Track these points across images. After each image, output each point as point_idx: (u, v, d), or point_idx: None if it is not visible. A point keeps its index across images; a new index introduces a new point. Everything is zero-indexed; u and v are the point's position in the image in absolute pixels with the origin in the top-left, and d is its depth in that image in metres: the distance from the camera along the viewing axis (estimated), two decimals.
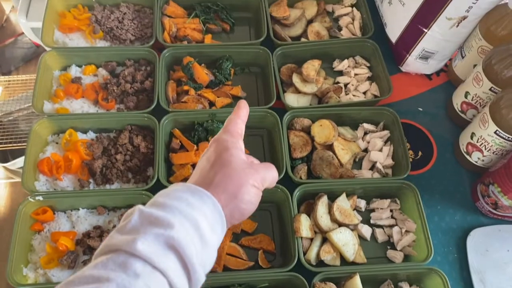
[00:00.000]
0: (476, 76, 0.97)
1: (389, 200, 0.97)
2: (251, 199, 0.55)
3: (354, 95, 1.11)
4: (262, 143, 1.06)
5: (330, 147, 1.01)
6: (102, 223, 0.93)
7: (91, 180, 0.98)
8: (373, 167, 1.02)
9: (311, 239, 0.91)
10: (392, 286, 0.87)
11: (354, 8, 1.24)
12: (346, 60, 1.16)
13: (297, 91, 1.09)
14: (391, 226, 0.95)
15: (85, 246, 0.89)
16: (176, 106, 1.06)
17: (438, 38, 1.04)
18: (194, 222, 0.49)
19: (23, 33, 2.15)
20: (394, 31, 1.13)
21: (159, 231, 0.46)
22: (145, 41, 1.18)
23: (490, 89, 0.94)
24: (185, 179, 0.93)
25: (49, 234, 0.91)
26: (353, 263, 0.90)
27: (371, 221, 0.96)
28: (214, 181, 0.54)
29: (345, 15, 1.24)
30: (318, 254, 0.89)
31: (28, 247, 0.91)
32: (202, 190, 0.52)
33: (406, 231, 0.93)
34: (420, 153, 1.06)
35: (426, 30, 1.03)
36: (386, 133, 1.04)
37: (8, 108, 2.05)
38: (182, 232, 0.47)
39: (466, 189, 1.02)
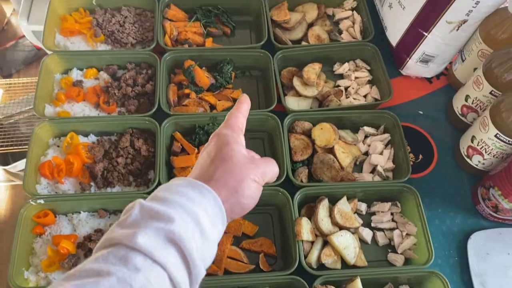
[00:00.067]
0: (476, 79, 0.97)
1: (389, 203, 0.97)
2: (252, 193, 0.55)
3: (354, 99, 1.11)
4: (263, 146, 1.06)
5: (330, 150, 1.01)
6: (103, 226, 0.93)
7: (92, 183, 0.98)
8: (373, 170, 1.02)
9: (312, 242, 0.91)
10: None
11: (354, 12, 1.24)
12: (346, 64, 1.16)
13: (298, 95, 1.09)
14: (392, 229, 0.95)
15: (86, 249, 0.89)
16: (177, 109, 1.06)
17: (438, 42, 1.04)
18: (195, 217, 0.49)
19: (24, 36, 2.15)
20: (394, 35, 1.13)
21: (160, 225, 0.46)
22: (146, 44, 1.18)
23: (490, 93, 0.94)
24: None
25: (51, 237, 0.92)
26: (354, 267, 0.90)
27: (372, 224, 0.96)
28: (215, 176, 0.54)
29: (345, 18, 1.24)
30: (319, 258, 0.89)
31: (30, 250, 0.91)
32: (203, 184, 0.52)
33: (407, 234, 0.94)
34: (420, 156, 1.06)
35: (426, 34, 1.04)
36: (386, 136, 1.05)
37: (9, 111, 2.05)
38: (182, 226, 0.47)
39: (467, 192, 1.02)
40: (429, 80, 1.18)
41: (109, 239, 0.47)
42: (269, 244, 0.92)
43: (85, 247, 0.90)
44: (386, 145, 1.05)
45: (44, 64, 1.08)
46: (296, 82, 1.09)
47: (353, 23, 1.23)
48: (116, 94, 1.07)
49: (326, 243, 0.91)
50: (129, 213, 0.48)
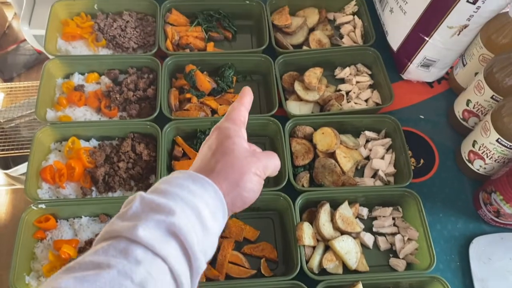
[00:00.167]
0: (477, 84, 0.97)
1: (391, 208, 0.97)
2: (253, 187, 0.55)
3: (355, 103, 1.11)
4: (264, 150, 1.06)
5: (332, 155, 1.01)
6: None
7: (93, 188, 0.98)
8: (375, 175, 1.02)
9: (314, 247, 0.91)
10: None
11: (355, 16, 1.25)
12: (347, 68, 1.16)
13: (299, 99, 1.09)
14: (393, 234, 0.95)
15: None
16: (178, 114, 1.06)
17: (439, 47, 1.04)
18: (196, 210, 0.48)
19: (25, 40, 2.16)
20: (395, 39, 1.13)
21: (160, 218, 0.46)
22: (148, 49, 1.18)
23: (491, 97, 0.94)
24: None
25: (52, 242, 0.91)
26: (355, 271, 0.90)
27: (374, 229, 0.96)
28: (216, 169, 0.53)
29: (346, 23, 1.24)
30: (320, 262, 0.89)
31: (31, 255, 0.91)
32: (204, 177, 0.51)
33: (409, 239, 0.93)
34: (422, 161, 1.06)
35: (427, 39, 1.04)
36: (388, 140, 1.05)
37: (10, 115, 2.05)
38: (183, 219, 0.47)
39: (468, 197, 1.02)
40: (430, 84, 1.18)
41: (109, 231, 0.46)
42: (271, 249, 0.92)
43: (87, 251, 0.89)
44: (387, 150, 1.05)
45: (46, 68, 1.08)
46: (297, 87, 1.09)
47: (354, 27, 1.23)
48: (118, 98, 1.07)
49: (327, 248, 0.91)
50: (129, 206, 0.48)
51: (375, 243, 0.95)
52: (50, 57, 1.11)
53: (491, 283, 0.90)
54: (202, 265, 0.48)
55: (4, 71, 2.48)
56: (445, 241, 0.96)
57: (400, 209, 0.97)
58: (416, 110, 1.14)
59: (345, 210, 0.94)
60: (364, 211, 0.97)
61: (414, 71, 1.13)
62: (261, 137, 1.06)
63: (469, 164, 1.00)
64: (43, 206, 0.91)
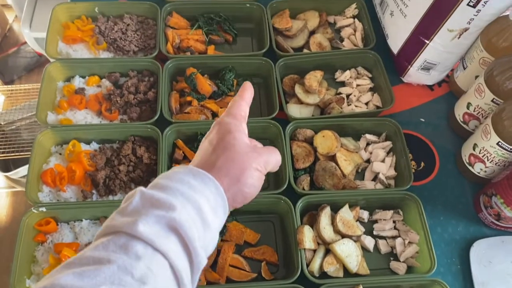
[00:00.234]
0: (478, 87, 0.97)
1: (392, 211, 0.97)
2: (254, 182, 0.54)
3: (356, 106, 1.11)
4: None
5: (332, 158, 1.01)
6: None
7: (94, 191, 0.98)
8: (375, 178, 1.02)
9: (314, 251, 0.91)
10: None
11: (355, 19, 1.25)
12: (348, 71, 1.16)
13: (300, 102, 1.09)
14: (394, 237, 0.95)
15: None
16: (179, 117, 1.06)
17: (439, 50, 1.04)
18: (196, 205, 0.48)
19: (25, 42, 2.16)
20: (396, 42, 1.13)
21: (161, 213, 0.46)
22: (149, 52, 1.19)
23: (492, 101, 0.95)
24: None
25: (52, 245, 0.91)
26: (356, 275, 0.90)
27: (374, 232, 0.96)
28: (217, 164, 0.53)
29: (347, 26, 1.25)
30: (321, 266, 0.89)
31: (31, 258, 0.91)
32: (205, 173, 0.51)
33: (409, 243, 0.93)
34: (422, 164, 1.06)
35: (427, 42, 1.04)
36: (388, 143, 1.05)
37: (11, 117, 2.06)
38: (184, 214, 0.47)
39: (469, 200, 1.02)
40: (430, 87, 1.18)
41: (109, 226, 0.46)
42: (271, 252, 0.92)
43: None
44: (388, 153, 1.05)
45: (47, 71, 1.08)
46: (298, 90, 1.09)
47: (355, 30, 1.23)
48: (118, 101, 1.08)
49: (328, 251, 0.91)
50: (129, 201, 0.48)
51: (376, 246, 0.95)
52: (51, 60, 1.11)
53: (492, 286, 0.90)
54: (203, 260, 0.48)
55: (4, 74, 2.49)
56: (446, 244, 0.96)
57: (401, 212, 0.97)
58: (416, 113, 1.14)
59: (345, 213, 0.94)
60: (365, 214, 0.97)
61: (415, 74, 1.14)
62: (262, 140, 1.04)
63: (470, 167, 1.00)
64: (43, 209, 0.91)
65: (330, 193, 0.96)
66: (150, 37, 1.20)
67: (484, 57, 1.01)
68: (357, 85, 1.14)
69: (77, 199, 0.97)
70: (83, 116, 1.07)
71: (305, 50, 1.20)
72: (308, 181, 0.99)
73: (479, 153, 0.95)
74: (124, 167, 0.99)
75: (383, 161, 1.03)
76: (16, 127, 2.05)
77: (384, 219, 0.97)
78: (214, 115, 1.09)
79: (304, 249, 0.89)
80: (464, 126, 1.05)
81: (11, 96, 2.21)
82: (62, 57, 1.16)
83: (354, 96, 1.12)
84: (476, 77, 1.03)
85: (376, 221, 0.97)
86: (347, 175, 1.00)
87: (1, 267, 1.90)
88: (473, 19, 0.95)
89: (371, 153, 1.05)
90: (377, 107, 1.11)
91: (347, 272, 0.90)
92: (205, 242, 0.49)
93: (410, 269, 0.92)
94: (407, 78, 1.17)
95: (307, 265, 0.88)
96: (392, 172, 1.01)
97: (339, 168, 0.99)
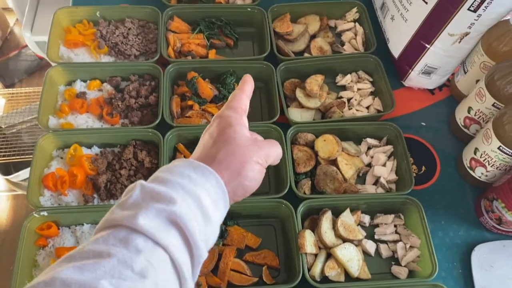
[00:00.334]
0: (478, 91, 0.97)
1: (393, 216, 0.97)
2: (255, 176, 0.54)
3: (357, 110, 1.11)
4: None
5: (333, 162, 1.02)
6: None
7: (95, 195, 0.98)
8: (376, 182, 1.02)
9: (316, 255, 0.91)
10: None
11: (356, 24, 1.25)
12: (349, 75, 1.17)
13: (301, 106, 1.10)
14: (395, 242, 0.95)
15: None
16: (180, 121, 1.06)
17: (440, 54, 1.05)
18: (197, 198, 0.48)
19: (26, 45, 2.17)
20: (396, 47, 1.14)
21: (161, 206, 0.46)
22: (150, 56, 1.19)
23: (493, 105, 0.95)
24: None
25: (54, 250, 0.91)
26: (357, 279, 0.90)
27: (375, 237, 0.96)
28: (217, 158, 0.53)
29: (347, 30, 1.25)
30: (322, 270, 0.89)
31: (33, 262, 0.91)
32: (205, 166, 0.51)
33: (411, 247, 0.93)
34: (423, 168, 1.06)
35: (428, 46, 1.04)
36: (389, 148, 1.05)
37: (11, 121, 2.06)
38: (184, 207, 0.46)
39: (470, 204, 1.02)
40: (431, 91, 1.19)
41: (109, 220, 0.46)
42: (273, 256, 0.92)
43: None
44: (389, 157, 1.05)
45: (48, 75, 1.08)
46: (299, 94, 1.09)
47: (355, 34, 1.23)
48: (120, 105, 1.08)
49: (329, 255, 0.91)
50: (129, 194, 0.48)
51: (377, 250, 0.95)
52: (53, 64, 1.12)
53: None
54: (203, 254, 0.48)
55: (5, 77, 2.49)
56: (447, 248, 0.96)
57: (402, 217, 0.97)
58: (417, 117, 1.14)
59: (347, 217, 0.94)
60: (366, 219, 0.97)
61: (415, 78, 1.14)
62: None
63: (471, 172, 1.00)
64: (45, 213, 0.92)
65: (331, 197, 0.96)
66: (151, 41, 1.20)
67: (484, 62, 1.01)
68: (358, 89, 1.15)
69: (78, 203, 0.97)
70: (85, 120, 1.08)
71: (306, 54, 1.20)
72: (309, 185, 0.99)
73: (480, 157, 0.95)
74: (126, 171, 0.99)
75: (384, 165, 1.03)
76: (17, 131, 2.05)
77: (385, 223, 0.97)
78: None
79: (305, 253, 0.89)
80: (465, 130, 1.06)
81: (12, 100, 2.22)
82: (64, 61, 1.16)
83: (355, 100, 1.13)
84: (477, 81, 1.04)
85: (377, 225, 0.97)
86: (348, 179, 1.00)
87: (1, 270, 1.90)
88: (474, 23, 0.95)
89: (372, 157, 1.05)
90: (378, 111, 1.11)
91: (348, 277, 0.90)
92: (206, 236, 0.49)
93: (411, 274, 0.92)
94: (408, 82, 1.17)
95: (308, 270, 0.88)
96: (393, 176, 1.01)
97: (340, 172, 1.00)
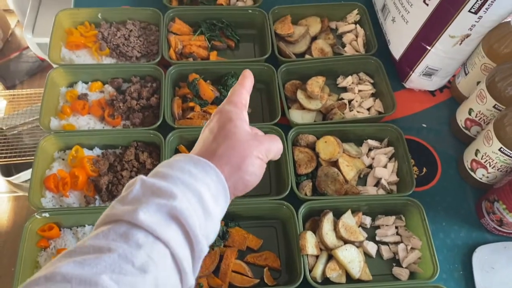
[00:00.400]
0: (479, 93, 0.97)
1: (394, 217, 0.97)
2: (255, 170, 0.54)
3: (358, 112, 1.11)
4: None
5: (335, 164, 1.02)
6: None
7: (97, 197, 0.98)
8: (377, 184, 1.02)
9: (317, 256, 0.91)
10: None
11: (357, 25, 1.25)
12: (350, 77, 1.17)
13: (302, 108, 1.10)
14: (396, 243, 0.95)
15: None
16: (181, 122, 1.07)
17: (441, 56, 1.05)
18: (197, 193, 0.48)
19: (28, 47, 2.17)
20: (397, 48, 1.14)
21: (162, 201, 0.46)
22: (151, 58, 1.19)
23: (494, 107, 0.95)
24: None
25: (55, 251, 0.92)
26: (359, 281, 0.90)
27: (377, 238, 0.96)
28: (218, 153, 0.53)
29: (348, 32, 1.25)
30: (324, 272, 0.89)
31: (34, 264, 0.91)
32: (206, 161, 0.51)
33: (412, 248, 0.93)
34: (424, 170, 1.06)
35: (429, 48, 1.04)
36: (390, 149, 1.05)
37: (13, 122, 2.06)
38: (185, 202, 0.46)
39: (471, 205, 1.02)
40: (432, 93, 1.19)
41: (110, 215, 0.46)
42: (274, 258, 0.92)
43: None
44: (390, 158, 1.05)
45: (50, 77, 1.09)
46: (300, 95, 1.10)
47: (356, 36, 1.24)
48: (121, 107, 1.08)
49: (330, 257, 0.91)
50: (130, 189, 0.48)
51: (378, 252, 0.95)
52: (54, 66, 1.12)
53: None
54: (204, 249, 0.48)
55: (6, 79, 2.50)
56: (448, 250, 0.96)
57: (403, 218, 0.97)
58: (418, 119, 1.14)
59: (348, 219, 0.94)
60: (367, 220, 0.97)
61: (416, 80, 1.14)
62: None
63: (472, 173, 1.00)
64: (46, 214, 0.92)
65: (332, 199, 0.96)
66: (153, 43, 1.20)
67: (485, 63, 1.01)
68: (359, 91, 1.15)
69: (80, 205, 0.98)
70: (86, 122, 1.08)
71: (307, 56, 1.20)
72: (311, 187, 0.99)
73: (481, 159, 0.96)
74: (127, 173, 0.99)
75: (385, 166, 1.03)
76: (18, 132, 2.05)
77: (386, 225, 0.97)
78: None
79: (307, 254, 0.89)
80: (466, 131, 1.06)
81: (13, 101, 2.22)
82: (65, 63, 1.16)
83: (356, 101, 1.13)
84: (478, 83, 1.04)
85: (378, 227, 0.98)
86: (349, 181, 1.00)
87: (3, 271, 1.90)
88: (475, 25, 0.96)
89: (373, 158, 1.05)
90: (379, 112, 1.11)
91: (349, 278, 0.90)
92: (206, 231, 0.49)
93: (412, 275, 0.92)
94: (408, 84, 1.17)
95: (310, 271, 0.88)
96: (394, 178, 1.01)
97: (342, 173, 1.00)
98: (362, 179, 1.04)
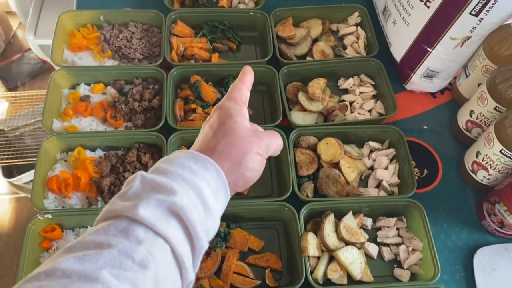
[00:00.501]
0: (480, 95, 0.98)
1: (395, 219, 0.97)
2: (255, 166, 0.54)
3: (359, 113, 1.12)
4: (268, 161, 1.06)
5: (336, 165, 1.02)
6: None
7: (99, 198, 0.98)
8: (379, 185, 1.02)
9: (318, 258, 0.91)
10: None
11: (358, 27, 1.26)
12: (351, 79, 1.17)
13: (303, 109, 1.10)
14: (397, 245, 0.95)
15: None
16: (183, 124, 1.07)
17: (442, 58, 1.05)
18: (197, 189, 0.48)
19: (29, 49, 2.18)
20: (398, 50, 1.14)
21: (162, 197, 0.46)
22: (153, 60, 1.20)
23: (494, 108, 0.95)
24: None
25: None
26: (360, 282, 0.90)
27: (378, 240, 0.96)
28: (218, 149, 0.53)
29: (349, 34, 1.25)
30: (325, 273, 0.89)
31: (37, 265, 0.91)
32: (206, 157, 0.51)
33: (413, 250, 0.94)
34: (425, 171, 1.06)
35: (430, 50, 1.05)
36: (391, 151, 1.05)
37: (14, 124, 2.07)
38: (185, 198, 0.47)
39: (472, 207, 1.02)
40: (433, 95, 1.19)
41: (110, 211, 0.46)
42: (275, 259, 0.92)
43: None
44: (391, 160, 1.05)
45: (52, 79, 1.09)
46: (301, 97, 1.10)
47: (358, 38, 1.24)
48: (123, 109, 1.08)
49: (332, 258, 0.92)
50: (130, 185, 0.48)
51: (380, 253, 0.95)
52: (56, 68, 1.12)
53: None
54: (204, 245, 0.48)
55: (8, 80, 2.50)
56: (449, 251, 0.96)
57: (404, 220, 0.97)
58: (419, 121, 1.14)
59: (349, 220, 0.94)
60: (368, 222, 0.97)
61: (417, 82, 1.14)
62: None
63: (473, 175, 1.00)
64: (49, 216, 0.92)
65: (333, 200, 0.96)
66: (155, 45, 1.21)
67: (486, 65, 1.01)
68: (360, 93, 1.15)
69: (82, 206, 0.98)
70: (88, 123, 1.08)
71: (308, 58, 1.21)
72: (312, 188, 1.00)
73: (482, 160, 0.96)
74: (129, 174, 1.00)
75: (386, 168, 1.03)
76: (20, 133, 2.06)
77: (387, 226, 0.97)
78: None
79: (308, 256, 0.89)
80: (467, 133, 1.06)
81: (14, 103, 2.23)
82: (68, 64, 1.17)
83: (357, 103, 1.13)
84: (479, 85, 1.04)
85: (379, 228, 0.98)
86: (350, 182, 1.00)
87: (5, 272, 1.90)
88: (476, 27, 0.96)
89: (374, 160, 1.05)
90: (380, 114, 1.12)
91: (351, 279, 0.90)
92: (207, 227, 0.49)
93: (413, 276, 0.92)
94: (410, 86, 1.17)
95: (311, 272, 0.88)
96: (395, 179, 1.02)
97: (343, 175, 1.00)
98: (363, 181, 1.05)
